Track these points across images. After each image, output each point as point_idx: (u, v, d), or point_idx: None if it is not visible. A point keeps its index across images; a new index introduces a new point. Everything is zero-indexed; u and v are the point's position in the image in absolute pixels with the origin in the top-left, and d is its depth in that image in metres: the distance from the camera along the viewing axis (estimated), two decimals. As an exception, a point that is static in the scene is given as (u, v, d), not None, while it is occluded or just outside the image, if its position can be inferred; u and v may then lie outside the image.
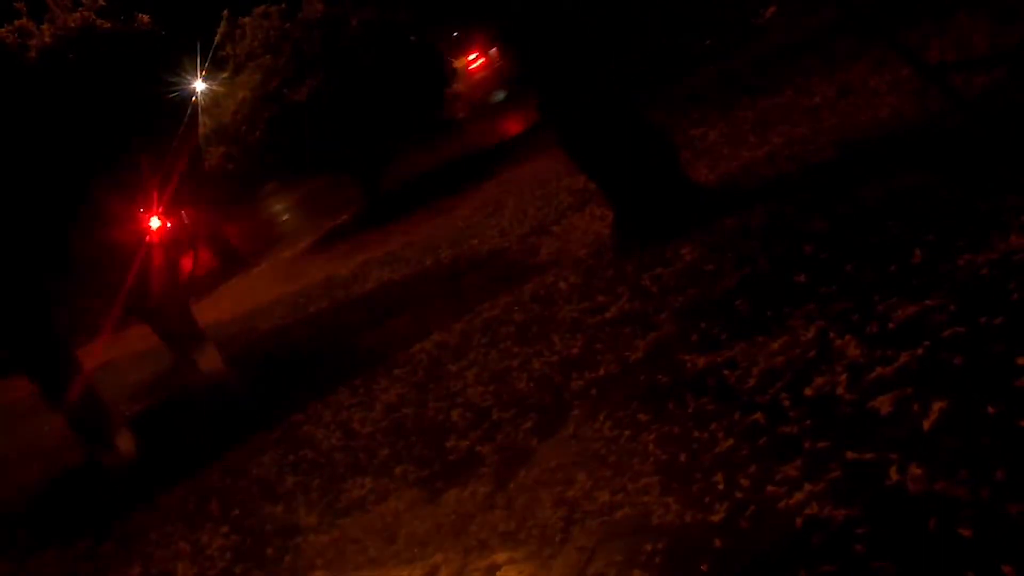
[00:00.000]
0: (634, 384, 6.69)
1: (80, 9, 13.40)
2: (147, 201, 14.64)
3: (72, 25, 13.15)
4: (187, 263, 15.76)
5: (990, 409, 4.25)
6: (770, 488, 4.64)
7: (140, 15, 14.08)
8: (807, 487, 4.47)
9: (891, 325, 5.42)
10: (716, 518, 4.70)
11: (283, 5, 22.83)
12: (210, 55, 22.96)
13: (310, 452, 9.21)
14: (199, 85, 22.41)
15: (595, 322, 8.22)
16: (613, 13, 11.77)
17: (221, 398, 13.86)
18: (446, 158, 26.56)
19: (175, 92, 15.61)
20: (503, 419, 7.46)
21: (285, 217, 38.12)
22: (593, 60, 9.48)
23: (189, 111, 16.56)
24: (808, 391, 5.28)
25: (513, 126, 25.89)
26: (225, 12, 22.74)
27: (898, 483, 4.15)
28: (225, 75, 22.90)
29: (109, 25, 13.49)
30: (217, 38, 22.93)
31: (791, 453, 4.82)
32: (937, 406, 4.47)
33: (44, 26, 13.19)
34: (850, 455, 4.52)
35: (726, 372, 6.04)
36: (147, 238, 14.68)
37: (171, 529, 9.13)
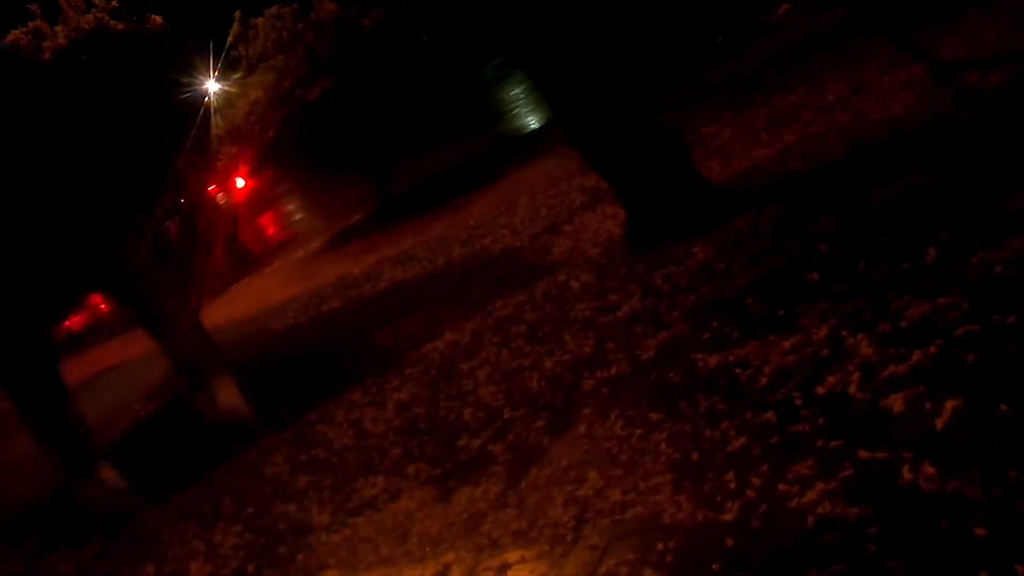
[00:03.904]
0: (646, 383, 6.68)
1: (93, 11, 13.47)
2: (160, 202, 14.70)
3: (85, 27, 13.21)
4: (200, 263, 15.80)
5: (1003, 408, 4.23)
6: (782, 487, 4.63)
7: (153, 16, 14.14)
8: (819, 486, 4.46)
9: (904, 324, 5.40)
10: (728, 517, 4.69)
11: (295, 6, 22.88)
12: (223, 56, 23.01)
13: (322, 451, 9.24)
14: (212, 86, 22.46)
15: (607, 321, 8.21)
16: (622, 11, 11.74)
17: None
18: (458, 157, 26.56)
19: (188, 93, 15.68)
20: (515, 418, 7.47)
21: (298, 217, 38.22)
22: (601, 58, 9.46)
23: (202, 112, 16.62)
24: (820, 390, 5.27)
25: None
26: (237, 13, 22.79)
27: (911, 482, 4.14)
28: (238, 76, 22.95)
29: (122, 26, 13.55)
30: (230, 39, 22.97)
31: (803, 452, 4.81)
32: (950, 405, 4.45)
33: (58, 28, 13.26)
34: (863, 454, 4.50)
35: (738, 371, 6.02)
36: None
37: (184, 528, 9.17)
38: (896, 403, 4.73)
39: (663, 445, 5.72)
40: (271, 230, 33.55)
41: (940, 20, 10.69)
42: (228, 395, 13.00)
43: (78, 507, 11.19)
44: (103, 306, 32.96)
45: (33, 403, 11.78)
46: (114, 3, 13.72)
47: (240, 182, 14.97)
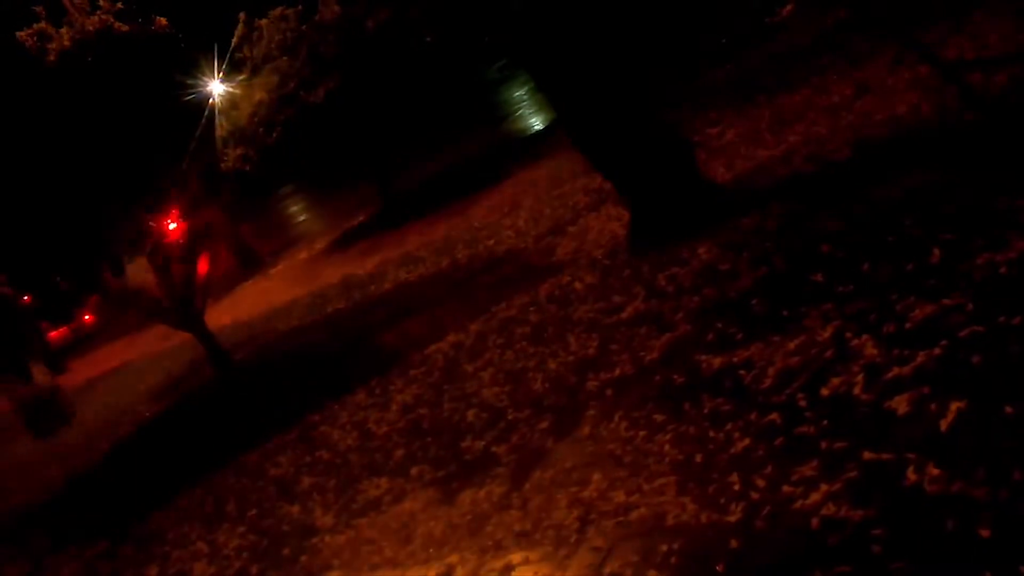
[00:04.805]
0: (650, 384, 6.67)
1: (98, 12, 13.49)
2: (165, 202, 14.73)
3: (90, 28, 13.24)
4: (203, 265, 15.80)
5: (1008, 409, 4.22)
6: (786, 488, 4.62)
7: (157, 18, 14.17)
8: (824, 487, 4.45)
9: (908, 325, 5.39)
10: (732, 518, 4.69)
11: (299, 7, 22.87)
12: (227, 57, 23.01)
13: (326, 453, 9.24)
14: (216, 87, 22.47)
15: (611, 322, 8.20)
16: (625, 12, 11.72)
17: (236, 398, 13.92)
18: (462, 158, 26.56)
19: (192, 94, 15.70)
20: (519, 419, 7.46)
21: (302, 218, 38.25)
22: (605, 59, 9.45)
23: (206, 113, 16.64)
24: (825, 391, 5.26)
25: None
26: (242, 14, 22.80)
27: (915, 483, 4.13)
28: (242, 77, 22.96)
29: (127, 28, 13.58)
30: (234, 40, 22.97)
31: (807, 453, 4.80)
32: (955, 406, 4.44)
33: (63, 29, 13.29)
34: (867, 455, 4.49)
35: (742, 372, 6.02)
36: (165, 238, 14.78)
37: (188, 529, 9.18)
38: (900, 404, 4.72)
39: (667, 446, 5.72)
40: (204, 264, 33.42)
41: (945, 20, 10.68)
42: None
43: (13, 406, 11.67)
44: (87, 317, 32.87)
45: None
46: (119, 5, 13.75)
47: (171, 224, 14.87)
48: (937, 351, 4.96)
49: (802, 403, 5.28)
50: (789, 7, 15.79)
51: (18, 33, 13.18)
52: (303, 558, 7.25)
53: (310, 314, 17.38)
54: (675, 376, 6.55)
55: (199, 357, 17.15)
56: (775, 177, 9.46)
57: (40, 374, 12.30)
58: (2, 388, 12.68)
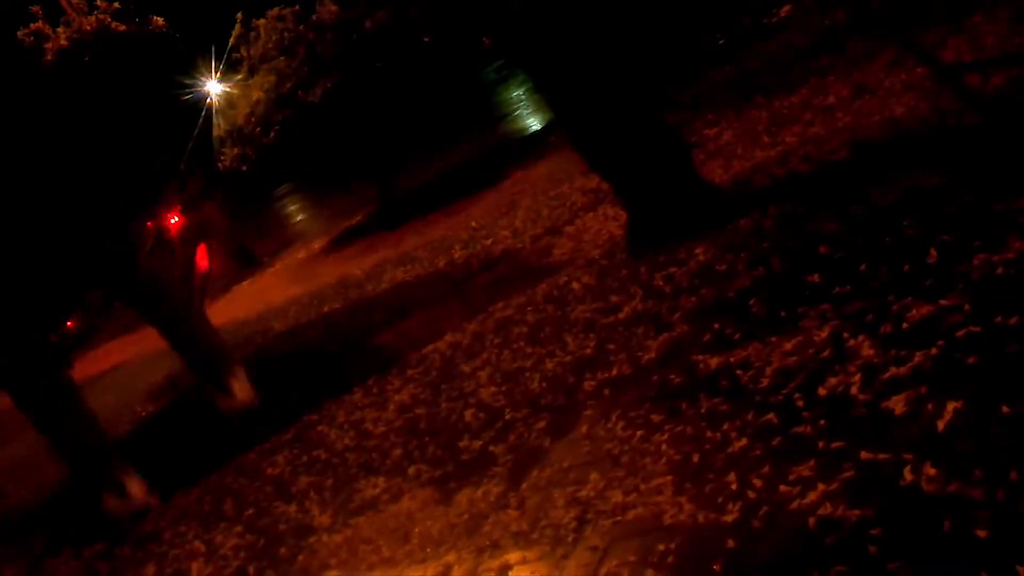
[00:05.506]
0: (647, 384, 6.67)
1: (95, 12, 13.48)
2: (162, 202, 14.72)
3: (87, 28, 13.22)
4: (202, 264, 15.78)
5: (1005, 409, 4.23)
6: (783, 488, 4.63)
7: (155, 17, 14.15)
8: (821, 487, 4.45)
9: (905, 325, 5.40)
10: (729, 518, 4.69)
11: (297, 7, 22.87)
12: (225, 57, 23.02)
13: (324, 452, 9.24)
14: (213, 87, 22.48)
15: (608, 322, 8.21)
16: (623, 12, 11.73)
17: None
18: (460, 159, 26.55)
19: (190, 94, 15.70)
20: (516, 419, 7.47)
21: (300, 217, 38.24)
22: (603, 60, 9.45)
23: (204, 113, 16.63)
24: (822, 391, 5.26)
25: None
26: (239, 14, 22.80)
27: (912, 483, 4.14)
28: (239, 77, 22.96)
29: (124, 28, 13.56)
30: (231, 40, 22.98)
31: (805, 453, 4.80)
32: (952, 406, 4.45)
33: (60, 29, 13.27)
34: (864, 455, 4.50)
35: (739, 372, 6.02)
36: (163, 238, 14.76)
37: (185, 529, 9.18)
38: (898, 404, 4.73)
39: (664, 446, 5.72)
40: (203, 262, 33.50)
41: (942, 22, 10.69)
42: (241, 386, 13.27)
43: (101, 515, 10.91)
44: (69, 324, 32.72)
45: (39, 405, 11.67)
46: (116, 5, 13.73)
47: (174, 219, 14.92)
48: (934, 351, 4.97)
49: (799, 403, 5.29)
50: (787, 8, 15.85)
51: (15, 32, 13.17)
52: (300, 557, 7.25)
53: (307, 314, 17.36)
54: (672, 376, 6.55)
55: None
56: (773, 178, 9.47)
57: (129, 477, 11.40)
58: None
